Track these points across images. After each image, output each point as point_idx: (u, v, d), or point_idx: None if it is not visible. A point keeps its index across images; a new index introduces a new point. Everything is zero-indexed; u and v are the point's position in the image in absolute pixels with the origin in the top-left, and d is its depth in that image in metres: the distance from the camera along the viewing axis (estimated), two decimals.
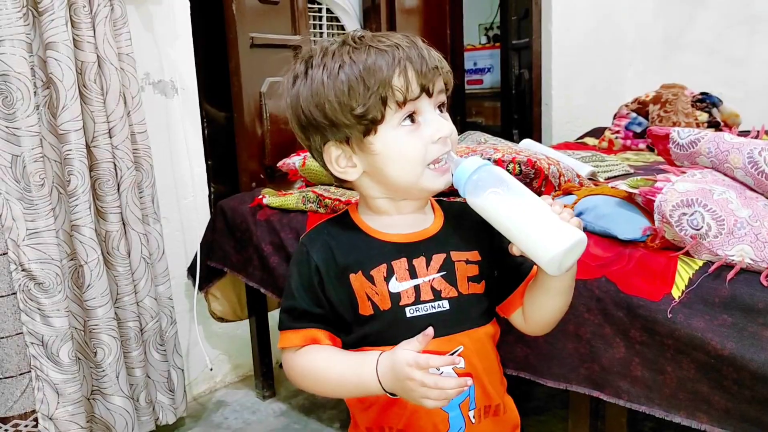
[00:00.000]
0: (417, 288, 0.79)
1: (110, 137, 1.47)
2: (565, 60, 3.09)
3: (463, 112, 3.39)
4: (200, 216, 1.87)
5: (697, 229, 0.94)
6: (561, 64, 3.08)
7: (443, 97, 0.79)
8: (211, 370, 1.95)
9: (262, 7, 2.03)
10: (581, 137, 3.01)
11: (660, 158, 2.38)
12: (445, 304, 0.79)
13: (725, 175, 1.05)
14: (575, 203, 1.13)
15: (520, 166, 1.23)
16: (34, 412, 1.41)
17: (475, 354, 0.80)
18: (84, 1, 1.39)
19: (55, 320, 1.38)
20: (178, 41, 1.76)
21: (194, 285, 1.79)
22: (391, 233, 0.81)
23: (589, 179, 1.74)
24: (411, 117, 0.75)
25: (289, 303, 0.81)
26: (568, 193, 1.20)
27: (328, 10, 2.63)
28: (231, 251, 1.71)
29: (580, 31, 3.13)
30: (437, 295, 0.79)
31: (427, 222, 0.84)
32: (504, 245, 0.77)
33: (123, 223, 1.52)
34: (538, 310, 0.82)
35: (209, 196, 1.95)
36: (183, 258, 1.84)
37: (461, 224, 0.84)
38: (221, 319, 1.90)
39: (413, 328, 0.75)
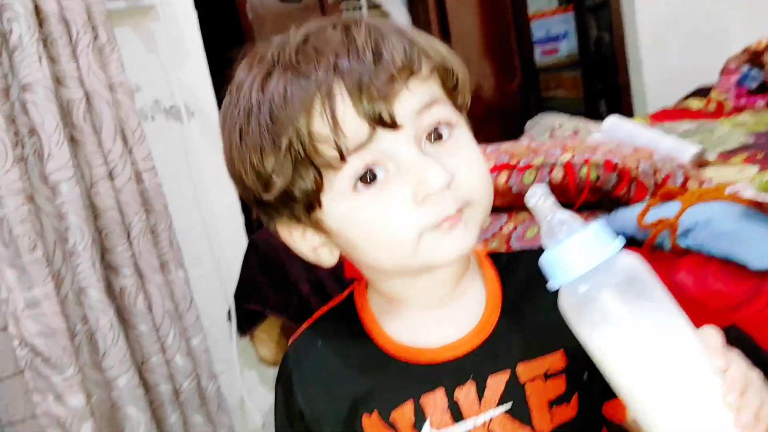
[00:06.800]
0: None
1: (111, 180, 1.29)
2: (652, 14, 2.66)
3: (537, 88, 3.01)
4: (237, 251, 1.67)
5: None
6: (648, 19, 2.65)
7: (440, 112, 0.46)
8: (263, 426, 1.74)
9: (283, 9, 1.79)
10: (683, 99, 2.58)
11: None
12: None
13: None
14: (679, 215, 0.79)
15: (596, 171, 0.91)
16: None
17: None
18: (60, 30, 1.21)
19: (71, 398, 1.21)
20: (189, 60, 1.55)
21: (231, 332, 1.59)
22: (415, 345, 0.51)
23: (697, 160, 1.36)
24: (370, 172, 0.45)
25: None
26: (667, 198, 0.86)
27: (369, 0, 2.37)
28: (269, 291, 1.49)
29: None
30: None
31: (472, 311, 0.52)
32: None
33: (139, 276, 1.34)
34: None
35: (248, 225, 1.74)
36: (222, 301, 1.64)
37: (532, 300, 0.51)
38: (273, 364, 1.69)
39: None
